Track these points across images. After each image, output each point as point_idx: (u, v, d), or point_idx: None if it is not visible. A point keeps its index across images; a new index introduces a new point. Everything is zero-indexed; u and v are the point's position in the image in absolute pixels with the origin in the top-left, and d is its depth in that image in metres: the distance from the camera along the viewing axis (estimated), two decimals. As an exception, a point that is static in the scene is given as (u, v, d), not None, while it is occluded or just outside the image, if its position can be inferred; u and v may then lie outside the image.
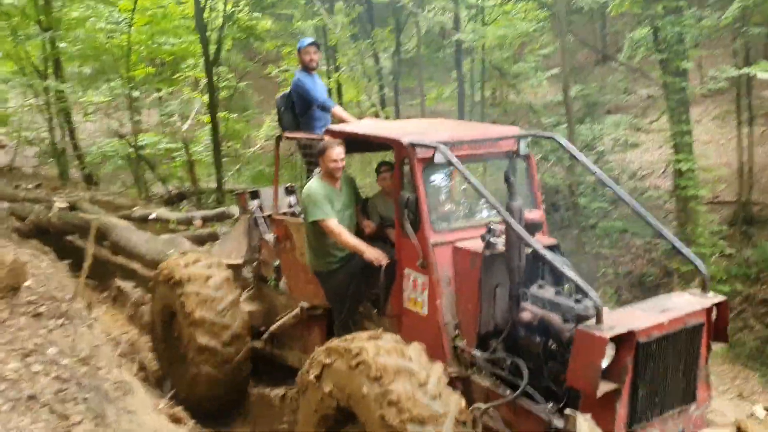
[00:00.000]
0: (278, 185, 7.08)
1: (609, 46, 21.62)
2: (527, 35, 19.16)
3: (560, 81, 20.07)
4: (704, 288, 4.63)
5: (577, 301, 4.55)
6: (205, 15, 16.29)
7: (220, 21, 17.08)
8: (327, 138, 5.90)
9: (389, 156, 5.95)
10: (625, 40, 19.21)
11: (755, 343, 13.98)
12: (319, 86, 7.10)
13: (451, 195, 5.75)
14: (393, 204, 5.80)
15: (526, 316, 4.67)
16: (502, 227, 4.81)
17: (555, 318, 4.55)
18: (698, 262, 4.72)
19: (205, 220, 11.06)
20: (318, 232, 5.73)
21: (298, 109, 7.00)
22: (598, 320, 4.02)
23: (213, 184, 17.34)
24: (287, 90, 7.24)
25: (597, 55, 21.55)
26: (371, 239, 5.88)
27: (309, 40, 7.29)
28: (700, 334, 4.41)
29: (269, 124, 23.06)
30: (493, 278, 4.90)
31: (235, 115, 19.24)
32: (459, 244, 5.14)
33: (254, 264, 7.45)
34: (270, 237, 7.08)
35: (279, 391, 6.81)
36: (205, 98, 17.33)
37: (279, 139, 6.98)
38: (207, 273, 6.68)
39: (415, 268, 5.22)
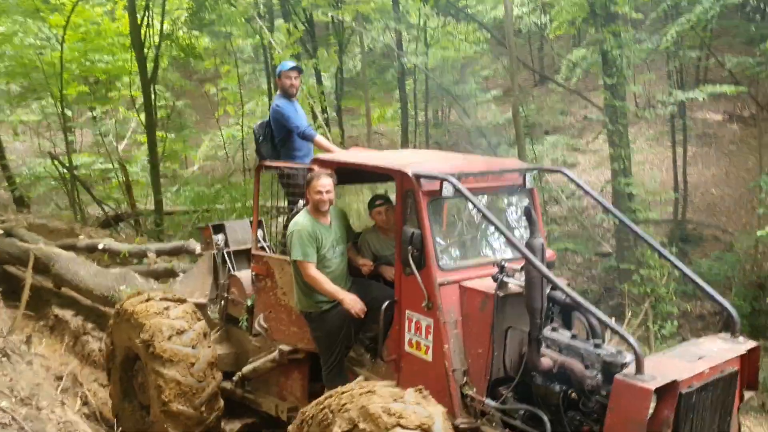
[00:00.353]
0: (252, 218, 6.46)
1: (547, 68, 21.84)
2: (468, 57, 19.13)
3: (502, 102, 20.14)
4: (734, 333, 4.34)
5: (597, 346, 4.22)
6: (142, 32, 15.51)
7: (157, 39, 16.32)
8: (316, 168, 5.37)
9: (382, 188, 5.52)
10: (562, 62, 19.45)
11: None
12: (300, 113, 6.52)
13: (456, 231, 5.30)
14: (388, 240, 5.40)
15: (545, 362, 4.26)
16: (514, 266, 4.44)
17: (577, 365, 4.16)
18: (729, 307, 4.43)
19: (160, 254, 10.17)
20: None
21: (278, 138, 6.43)
22: (639, 369, 3.62)
23: (151, 206, 16.51)
24: (266, 118, 6.64)
25: (535, 76, 21.73)
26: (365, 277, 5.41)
27: (291, 63, 6.72)
28: (735, 383, 4.10)
29: (207, 144, 22.32)
30: (505, 321, 4.48)
31: (173, 134, 18.42)
32: (467, 284, 4.69)
33: (221, 303, 6.81)
34: (242, 274, 6.49)
35: (234, 426, 6.42)
36: (142, 117, 16.50)
37: (259, 168, 6.36)
38: (178, 325, 5.85)
39: (419, 309, 4.72)
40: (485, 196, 5.17)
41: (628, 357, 3.92)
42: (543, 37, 19.81)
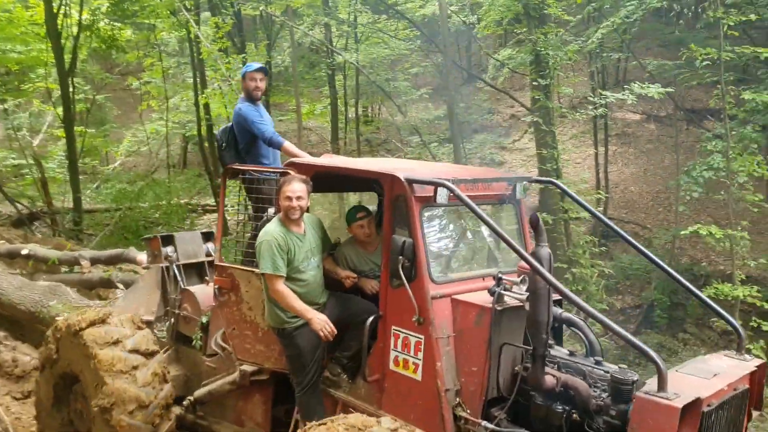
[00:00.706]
0: (219, 228, 5.87)
1: (474, 67, 21.87)
2: (398, 54, 18.92)
3: (434, 100, 20.00)
4: (740, 350, 4.18)
5: (598, 363, 4.01)
6: (59, 21, 14.60)
7: (75, 29, 15.41)
8: (292, 173, 4.86)
9: (354, 199, 5.12)
10: (490, 61, 19.50)
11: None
12: (265, 118, 5.95)
13: (446, 241, 4.90)
14: (367, 255, 5.02)
15: (549, 380, 3.93)
16: (511, 278, 4.12)
17: (581, 383, 3.88)
18: (735, 324, 4.30)
19: (94, 262, 9.23)
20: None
21: (242, 145, 5.85)
22: (662, 387, 3.33)
23: (69, 204, 15.59)
24: (229, 124, 6.05)
25: (463, 75, 21.71)
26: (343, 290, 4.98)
27: (256, 65, 6.13)
28: (746, 400, 3.94)
29: (129, 140, 21.34)
30: (501, 337, 4.13)
31: (93, 129, 17.46)
32: (460, 298, 4.32)
33: (171, 321, 6.23)
34: (196, 289, 5.96)
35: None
36: (59, 111, 15.55)
37: (226, 173, 5.78)
38: (133, 361, 5.21)
39: (407, 324, 4.31)
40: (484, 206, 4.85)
41: (635, 375, 3.73)
42: (471, 36, 19.77)
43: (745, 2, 13.58)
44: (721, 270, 15.40)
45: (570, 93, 15.44)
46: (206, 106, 17.85)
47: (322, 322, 4.60)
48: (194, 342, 5.90)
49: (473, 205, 4.05)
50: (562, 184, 5.30)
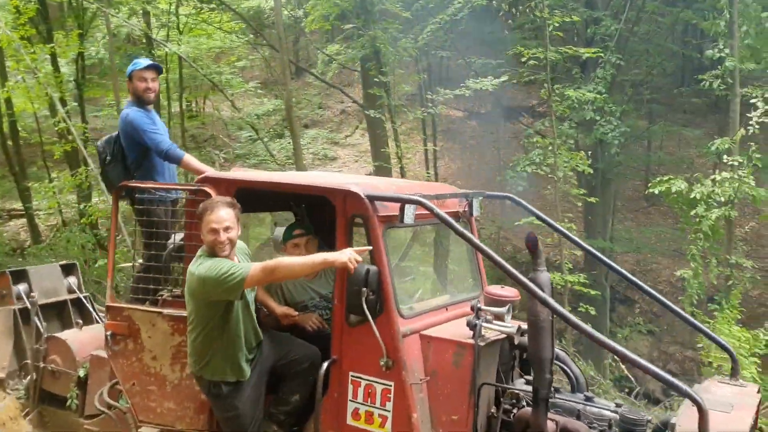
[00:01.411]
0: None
1: (302, 61, 21.27)
2: (224, 47, 17.88)
3: (263, 94, 19.15)
4: (735, 374, 3.98)
5: (588, 399, 3.66)
6: None
7: None
8: (212, 194, 3.97)
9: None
10: (318, 56, 19.01)
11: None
12: (159, 126, 5.03)
13: (404, 267, 4.29)
14: (305, 282, 4.32)
15: (550, 426, 3.48)
16: (489, 308, 3.64)
17: (582, 427, 3.49)
18: (731, 350, 4.10)
19: None
20: (222, 322, 3.78)
21: (131, 159, 4.92)
22: (704, 428, 2.95)
23: None
24: (114, 133, 5.03)
25: (292, 69, 21.05)
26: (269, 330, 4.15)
27: (145, 61, 5.14)
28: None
29: None
30: (480, 377, 3.60)
31: None
32: (430, 333, 3.72)
33: (33, 377, 5.09)
34: (68, 335, 4.96)
35: None
36: None
37: (118, 192, 4.69)
38: None
39: (370, 369, 3.65)
40: (429, 227, 4.27)
41: (645, 414, 3.43)
42: (299, 31, 19.16)
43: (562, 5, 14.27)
44: (548, 259, 16.10)
45: (409, 91, 15.37)
46: (8, 100, 15.79)
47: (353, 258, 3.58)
48: (69, 402, 4.86)
49: (455, 224, 3.50)
50: (521, 200, 4.86)
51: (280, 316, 4.27)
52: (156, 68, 5.15)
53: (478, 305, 3.65)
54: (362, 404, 3.71)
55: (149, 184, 4.76)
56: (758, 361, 10.30)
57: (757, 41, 11.05)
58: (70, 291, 5.84)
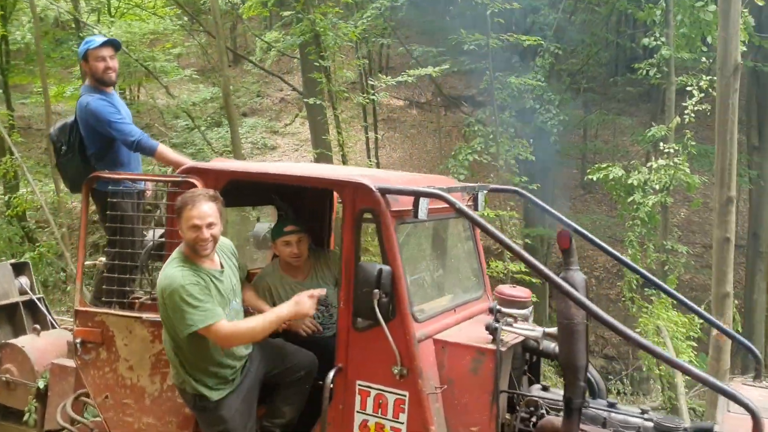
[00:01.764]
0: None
1: (240, 49, 20.66)
2: (158, 32, 17.15)
3: (199, 81, 18.53)
4: (759, 376, 3.79)
5: (611, 405, 3.40)
6: None
7: None
8: (198, 187, 3.58)
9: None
10: (257, 44, 18.49)
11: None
12: (124, 111, 4.49)
13: (412, 266, 3.89)
14: (297, 284, 4.00)
15: None
16: (511, 310, 3.37)
17: None
18: (754, 349, 3.89)
19: None
20: (200, 341, 3.39)
21: (93, 150, 4.39)
22: None
23: None
24: (70, 118, 4.46)
25: (230, 56, 20.44)
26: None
27: (100, 38, 4.56)
28: None
29: None
30: (500, 385, 3.32)
31: None
32: (445, 338, 3.40)
33: None
34: (24, 341, 4.47)
35: None
36: None
37: (90, 184, 4.17)
38: None
39: (382, 378, 3.31)
40: (428, 223, 3.89)
41: (682, 421, 3.16)
42: (236, 17, 18.57)
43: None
44: (489, 247, 16.10)
45: (349, 77, 15.06)
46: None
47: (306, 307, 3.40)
48: (26, 417, 4.42)
49: (480, 220, 3.19)
50: (527, 193, 4.57)
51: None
52: (113, 44, 4.61)
53: (497, 307, 3.39)
54: (372, 416, 3.36)
55: (126, 176, 4.32)
56: (695, 344, 10.49)
57: (691, 30, 11.16)
58: (22, 292, 5.33)
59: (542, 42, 13.55)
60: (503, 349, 3.27)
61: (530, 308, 3.46)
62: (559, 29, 15.14)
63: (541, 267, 3.04)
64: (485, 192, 4.13)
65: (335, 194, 4.82)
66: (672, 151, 11.08)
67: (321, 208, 4.99)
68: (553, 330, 3.34)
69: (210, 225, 3.35)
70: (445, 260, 4.43)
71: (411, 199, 3.34)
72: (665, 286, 4.37)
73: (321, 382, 3.51)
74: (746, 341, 4.07)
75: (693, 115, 10.59)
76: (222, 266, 3.54)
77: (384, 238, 3.32)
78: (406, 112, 21.09)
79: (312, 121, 15.42)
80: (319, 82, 12.90)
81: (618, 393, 12.71)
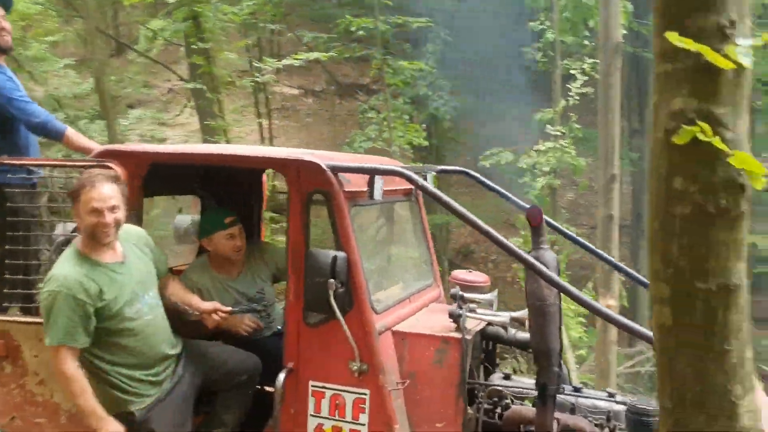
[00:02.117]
0: None
1: (123, 37, 19.54)
2: (30, 18, 15.92)
3: (79, 71, 17.43)
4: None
5: (577, 390, 3.23)
6: None
7: None
8: (114, 170, 3.16)
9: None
10: (140, 32, 17.56)
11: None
12: (20, 86, 3.87)
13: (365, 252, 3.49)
14: (230, 281, 3.63)
15: (555, 428, 2.98)
16: (475, 295, 3.15)
17: (585, 423, 3.02)
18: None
19: None
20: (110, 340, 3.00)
21: None
22: None
23: None
24: None
25: (113, 45, 19.31)
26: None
27: None
28: None
29: None
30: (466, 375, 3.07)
31: None
32: (403, 329, 3.13)
33: None
34: None
35: None
36: None
37: None
38: None
39: (338, 377, 3.02)
40: (378, 207, 3.57)
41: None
42: (117, 4, 17.53)
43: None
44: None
45: (233, 59, 14.45)
46: None
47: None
48: None
49: (447, 199, 2.91)
50: (476, 174, 4.32)
51: (203, 314, 3.40)
52: (3, 3, 3.95)
53: (460, 293, 3.13)
54: (327, 419, 3.06)
55: (29, 161, 3.75)
56: (583, 320, 10.73)
57: (574, 14, 11.36)
58: None
59: (431, 24, 13.45)
60: (468, 337, 3.04)
61: (495, 293, 3.27)
62: (448, 15, 15.16)
63: (511, 246, 2.82)
64: (433, 173, 3.85)
65: (264, 179, 4.51)
66: (558, 134, 11.26)
67: (248, 195, 4.59)
68: (520, 314, 3.15)
69: (113, 208, 2.95)
70: (394, 246, 4.17)
71: (363, 179, 3.06)
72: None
73: (263, 387, 3.23)
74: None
75: (577, 98, 10.78)
76: (126, 258, 3.13)
77: (338, 222, 3.02)
78: (301, 100, 20.66)
79: (201, 110, 14.77)
80: (201, 66, 12.32)
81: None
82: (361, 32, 11.80)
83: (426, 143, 12.73)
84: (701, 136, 1.47)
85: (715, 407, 1.56)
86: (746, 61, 1.45)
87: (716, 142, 1.47)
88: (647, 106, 15.12)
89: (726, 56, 1.44)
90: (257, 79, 12.72)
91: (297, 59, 11.80)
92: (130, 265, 3.13)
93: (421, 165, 3.78)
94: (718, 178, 1.51)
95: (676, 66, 1.52)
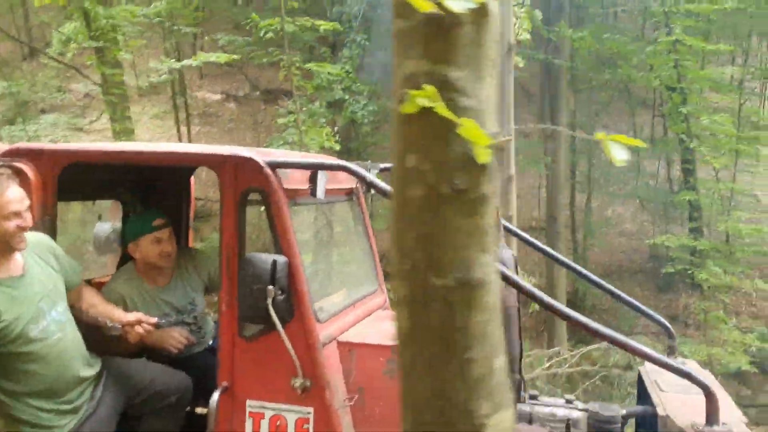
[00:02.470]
0: None
1: (36, 41, 18.86)
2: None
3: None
4: (673, 352, 3.51)
5: (533, 397, 3.07)
6: None
7: None
8: (28, 174, 2.86)
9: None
10: (53, 34, 16.99)
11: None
12: None
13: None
14: (158, 292, 3.27)
15: None
16: None
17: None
18: (666, 324, 3.59)
19: None
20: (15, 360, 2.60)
21: None
22: (713, 419, 2.44)
23: None
24: None
25: (24, 49, 18.62)
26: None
27: None
28: None
29: None
30: None
31: None
32: (350, 339, 2.85)
33: None
34: None
35: None
36: None
37: None
38: None
39: (277, 395, 2.71)
40: (318, 207, 3.32)
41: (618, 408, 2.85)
42: (28, 6, 16.94)
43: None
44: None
45: (128, 59, 14.06)
46: None
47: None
48: None
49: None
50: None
51: (129, 327, 3.02)
52: None
53: None
54: None
55: None
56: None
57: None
58: None
59: (344, 30, 13.41)
60: None
61: None
62: (365, 21, 15.17)
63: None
64: (377, 171, 3.52)
65: (192, 182, 4.16)
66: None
67: (175, 198, 4.23)
68: None
69: (17, 213, 2.60)
70: (336, 250, 3.91)
71: (303, 176, 2.78)
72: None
73: (194, 409, 2.94)
74: (660, 318, 3.74)
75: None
76: (26, 271, 2.72)
77: (277, 223, 2.72)
78: (223, 106, 20.37)
79: (112, 114, 14.34)
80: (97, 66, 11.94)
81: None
82: (269, 34, 11.65)
83: (338, 147, 12.64)
84: (425, 103, 1.19)
85: (457, 430, 1.31)
86: (458, 6, 1.16)
87: (441, 109, 1.19)
88: (559, 110, 15.48)
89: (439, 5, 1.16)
90: (165, 75, 12.38)
91: (196, 59, 11.60)
92: (32, 278, 2.74)
93: (368, 163, 3.53)
94: (453, 153, 1.23)
95: (411, 23, 1.24)
